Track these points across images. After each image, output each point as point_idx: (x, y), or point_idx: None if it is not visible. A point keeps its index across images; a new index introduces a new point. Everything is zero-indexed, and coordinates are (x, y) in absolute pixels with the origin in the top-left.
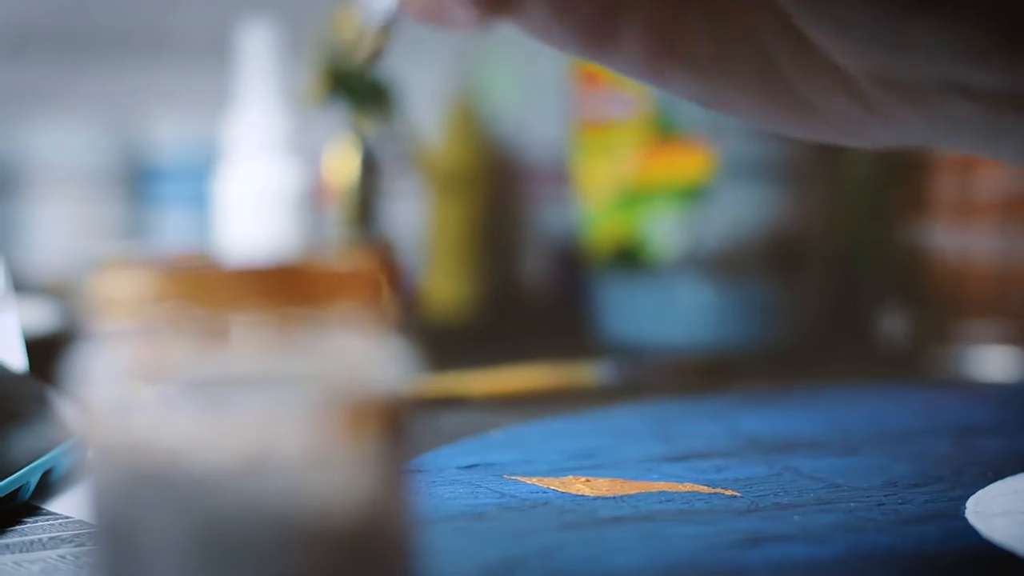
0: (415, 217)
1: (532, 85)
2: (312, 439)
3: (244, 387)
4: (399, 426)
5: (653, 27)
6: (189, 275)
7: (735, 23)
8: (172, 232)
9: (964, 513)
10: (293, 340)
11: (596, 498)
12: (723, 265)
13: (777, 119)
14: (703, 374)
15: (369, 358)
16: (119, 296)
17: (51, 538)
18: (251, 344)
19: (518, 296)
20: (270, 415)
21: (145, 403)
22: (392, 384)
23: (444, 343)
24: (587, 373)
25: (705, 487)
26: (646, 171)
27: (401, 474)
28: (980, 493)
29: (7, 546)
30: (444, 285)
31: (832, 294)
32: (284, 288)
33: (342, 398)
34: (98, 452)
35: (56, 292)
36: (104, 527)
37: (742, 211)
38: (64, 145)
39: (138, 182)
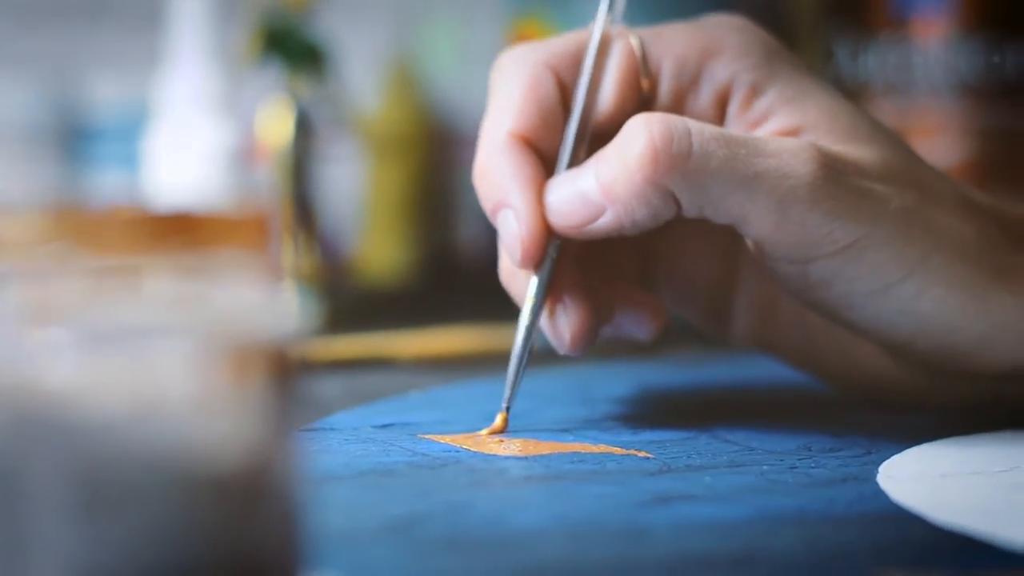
0: (351, 180)
1: (470, 49)
2: (197, 385)
3: (130, 332)
4: (287, 374)
5: (757, 312)
6: (76, 217)
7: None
8: (107, 191)
9: (876, 477)
10: (180, 286)
11: (508, 457)
12: None
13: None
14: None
15: (258, 305)
16: (5, 237)
17: None
18: (138, 289)
19: (453, 260)
20: (155, 360)
21: (32, 346)
22: (281, 332)
23: (378, 305)
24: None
25: (619, 448)
26: None
27: (288, 422)
28: (894, 458)
29: None
30: (380, 248)
31: None
32: (172, 232)
33: (228, 344)
34: None
35: None
36: None
37: None
38: None
39: (73, 141)
